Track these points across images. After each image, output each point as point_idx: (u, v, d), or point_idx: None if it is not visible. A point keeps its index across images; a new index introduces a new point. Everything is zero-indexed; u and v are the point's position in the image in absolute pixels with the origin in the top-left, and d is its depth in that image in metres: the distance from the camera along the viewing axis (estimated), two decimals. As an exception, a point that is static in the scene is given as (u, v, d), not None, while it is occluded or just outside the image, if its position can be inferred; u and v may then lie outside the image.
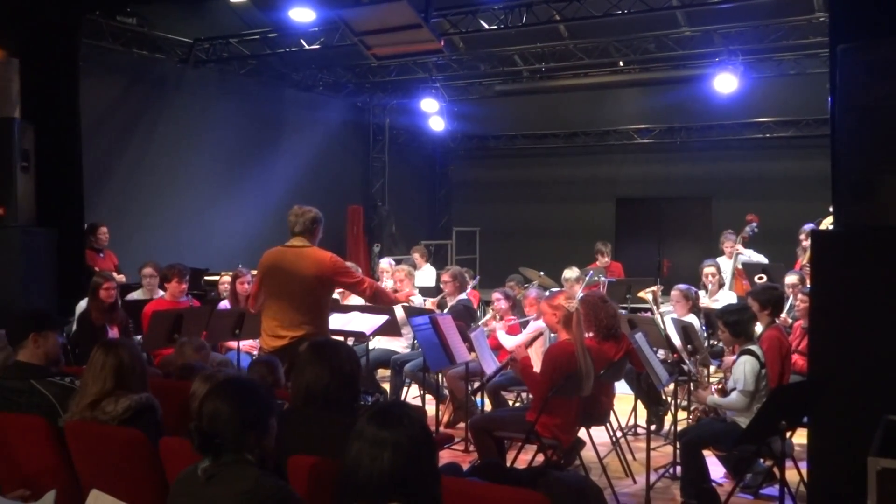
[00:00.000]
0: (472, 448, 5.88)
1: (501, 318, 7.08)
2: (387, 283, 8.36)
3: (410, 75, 13.60)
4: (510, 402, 6.93)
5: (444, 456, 5.64)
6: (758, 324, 5.54)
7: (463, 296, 7.87)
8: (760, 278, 7.93)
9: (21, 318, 4.08)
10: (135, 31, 10.86)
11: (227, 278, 7.91)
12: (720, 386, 5.37)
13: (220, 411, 2.50)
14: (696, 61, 12.18)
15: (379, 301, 5.80)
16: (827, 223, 7.39)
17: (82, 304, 6.79)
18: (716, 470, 5.31)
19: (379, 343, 7.50)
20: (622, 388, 6.56)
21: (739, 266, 8.99)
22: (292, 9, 9.87)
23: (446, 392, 7.17)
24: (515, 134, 16.25)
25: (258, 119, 13.13)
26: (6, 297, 6.55)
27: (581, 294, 7.36)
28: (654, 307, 7.57)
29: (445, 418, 7.05)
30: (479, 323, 7.47)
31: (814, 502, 4.15)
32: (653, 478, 5.29)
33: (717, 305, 7.28)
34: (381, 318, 6.62)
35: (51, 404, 3.70)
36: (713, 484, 5.05)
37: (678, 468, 5.33)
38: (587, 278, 8.63)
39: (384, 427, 2.18)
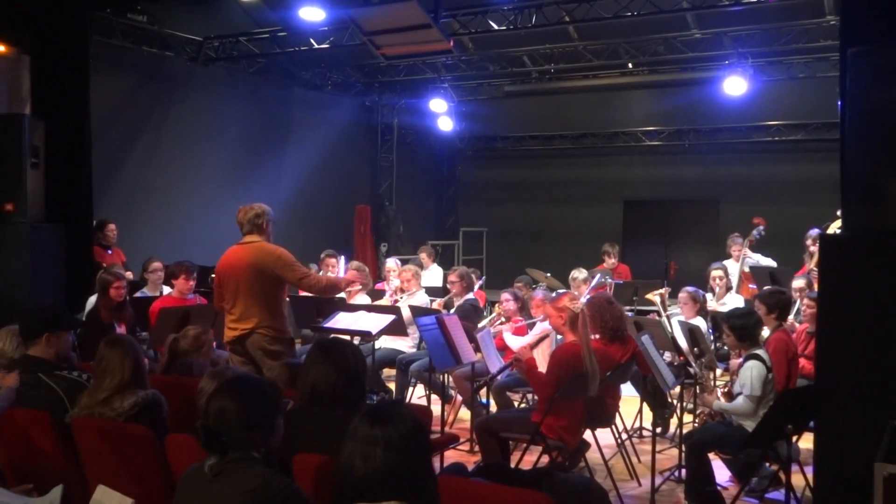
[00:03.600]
0: (476, 449, 5.88)
1: (509, 319, 7.08)
2: (393, 283, 8.38)
3: (419, 75, 13.61)
4: (516, 404, 6.92)
5: (449, 456, 5.64)
6: (765, 327, 5.52)
7: (470, 296, 7.86)
8: (775, 283, 7.87)
9: (36, 316, 4.08)
10: (145, 29, 10.90)
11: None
12: (726, 390, 5.36)
13: (227, 409, 2.51)
14: (706, 64, 12.14)
15: (331, 292, 6.05)
16: (835, 227, 7.36)
17: (92, 300, 6.82)
18: (721, 473, 5.30)
19: (385, 343, 7.51)
20: (628, 391, 6.56)
21: (746, 269, 8.96)
22: (302, 8, 9.87)
23: (452, 392, 7.17)
24: (523, 135, 16.22)
25: (267, 118, 13.14)
26: (14, 293, 6.58)
27: (587, 296, 7.35)
28: (662, 309, 7.56)
29: (451, 418, 7.05)
30: (483, 324, 7.46)
31: (819, 507, 4.15)
32: (658, 480, 5.29)
33: (724, 309, 7.24)
34: (387, 318, 6.63)
35: (58, 398, 3.71)
36: (718, 487, 5.03)
37: (683, 471, 5.33)
38: (594, 280, 8.61)
39: (375, 425, 2.18)
